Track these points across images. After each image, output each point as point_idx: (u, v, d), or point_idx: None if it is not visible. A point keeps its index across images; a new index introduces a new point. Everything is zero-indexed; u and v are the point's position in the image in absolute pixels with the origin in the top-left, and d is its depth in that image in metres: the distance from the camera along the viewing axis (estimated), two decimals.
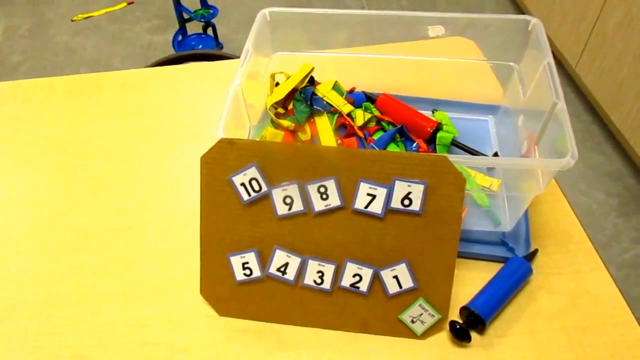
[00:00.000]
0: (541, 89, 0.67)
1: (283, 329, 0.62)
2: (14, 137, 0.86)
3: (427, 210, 0.58)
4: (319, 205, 0.59)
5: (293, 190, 0.59)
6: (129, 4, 2.58)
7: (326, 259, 0.61)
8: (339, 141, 0.75)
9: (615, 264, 1.55)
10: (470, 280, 0.64)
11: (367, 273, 0.60)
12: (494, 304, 0.61)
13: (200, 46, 2.17)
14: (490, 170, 0.72)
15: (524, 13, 2.34)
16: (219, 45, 2.20)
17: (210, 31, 2.17)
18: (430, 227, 0.58)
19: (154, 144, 0.84)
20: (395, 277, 0.60)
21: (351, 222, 0.59)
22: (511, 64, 0.78)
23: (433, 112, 0.82)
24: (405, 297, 0.60)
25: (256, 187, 0.59)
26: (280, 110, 0.78)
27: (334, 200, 0.59)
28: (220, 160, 0.59)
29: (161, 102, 0.91)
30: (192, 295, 0.65)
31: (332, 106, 0.77)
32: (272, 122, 0.76)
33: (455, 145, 0.76)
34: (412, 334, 0.61)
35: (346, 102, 0.78)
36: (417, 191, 0.57)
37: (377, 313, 0.61)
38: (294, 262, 0.61)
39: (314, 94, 0.78)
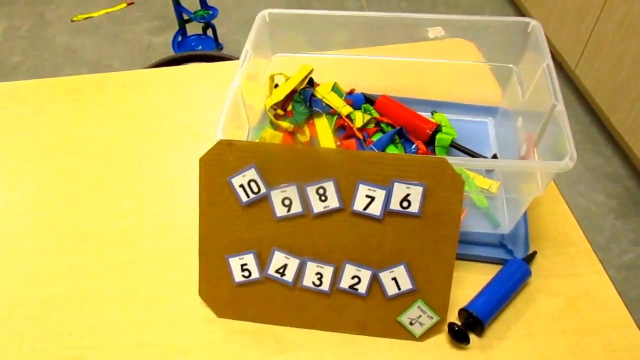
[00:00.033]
0: (540, 90, 0.67)
1: (282, 331, 0.62)
2: (14, 138, 0.86)
3: (426, 212, 0.58)
4: (317, 206, 0.59)
5: (292, 191, 0.59)
6: (128, 4, 2.58)
7: (325, 260, 0.60)
8: (338, 143, 0.75)
9: (614, 266, 1.54)
10: (469, 282, 0.64)
11: (365, 275, 0.60)
12: (493, 306, 0.61)
13: (200, 47, 2.17)
14: (489, 172, 0.72)
15: (523, 15, 2.34)
16: (219, 46, 2.20)
17: (210, 32, 2.17)
18: (429, 229, 0.58)
19: (154, 145, 0.84)
20: (394, 278, 0.60)
21: (350, 223, 0.59)
22: (510, 65, 0.78)
23: (432, 114, 0.82)
24: (404, 299, 0.60)
25: (255, 189, 0.59)
26: (280, 111, 0.78)
27: (333, 202, 0.59)
28: (219, 162, 0.59)
29: (161, 103, 0.91)
30: (190, 296, 0.65)
31: (331, 108, 0.77)
32: (271, 123, 0.76)
33: (455, 147, 0.76)
34: (410, 336, 0.61)
35: (345, 104, 0.78)
36: (415, 193, 0.57)
37: (375, 315, 0.61)
38: (293, 263, 0.61)
39: (313, 95, 0.78)
